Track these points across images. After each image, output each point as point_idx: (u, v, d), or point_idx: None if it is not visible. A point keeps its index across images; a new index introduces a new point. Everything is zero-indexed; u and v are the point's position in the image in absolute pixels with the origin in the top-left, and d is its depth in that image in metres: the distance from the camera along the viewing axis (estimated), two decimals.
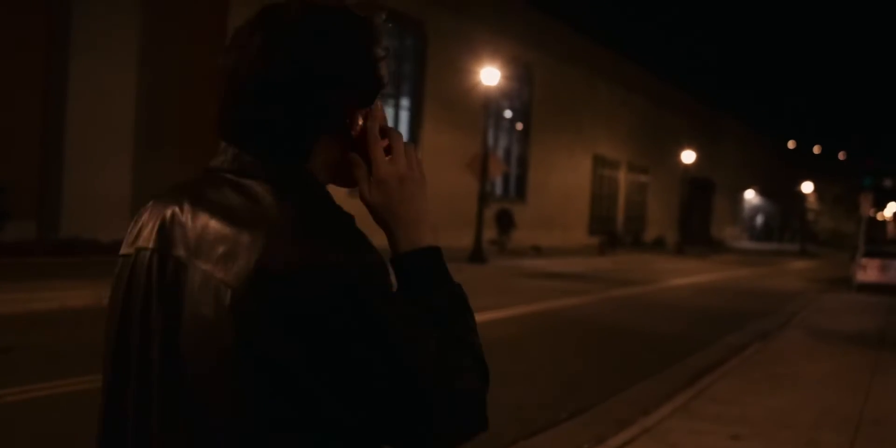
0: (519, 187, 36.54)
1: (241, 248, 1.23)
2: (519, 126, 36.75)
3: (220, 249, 1.25)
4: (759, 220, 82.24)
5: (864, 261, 27.43)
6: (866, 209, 27.50)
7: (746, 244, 68.18)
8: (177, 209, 1.34)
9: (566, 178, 40.08)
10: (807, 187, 70.63)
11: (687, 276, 28.38)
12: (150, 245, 1.35)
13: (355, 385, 1.21)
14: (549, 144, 37.78)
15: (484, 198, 24.23)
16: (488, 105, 24.99)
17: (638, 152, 49.45)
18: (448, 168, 26.28)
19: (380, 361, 1.21)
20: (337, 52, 1.32)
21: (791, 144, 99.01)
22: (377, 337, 1.21)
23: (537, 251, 31.80)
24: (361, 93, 1.37)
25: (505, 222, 31.65)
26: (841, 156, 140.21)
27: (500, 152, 35.44)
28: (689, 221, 53.45)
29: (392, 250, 1.40)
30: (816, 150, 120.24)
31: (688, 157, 46.36)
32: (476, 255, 23.86)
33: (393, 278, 1.31)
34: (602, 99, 43.82)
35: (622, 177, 48.20)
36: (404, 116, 29.44)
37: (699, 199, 57.50)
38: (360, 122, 1.37)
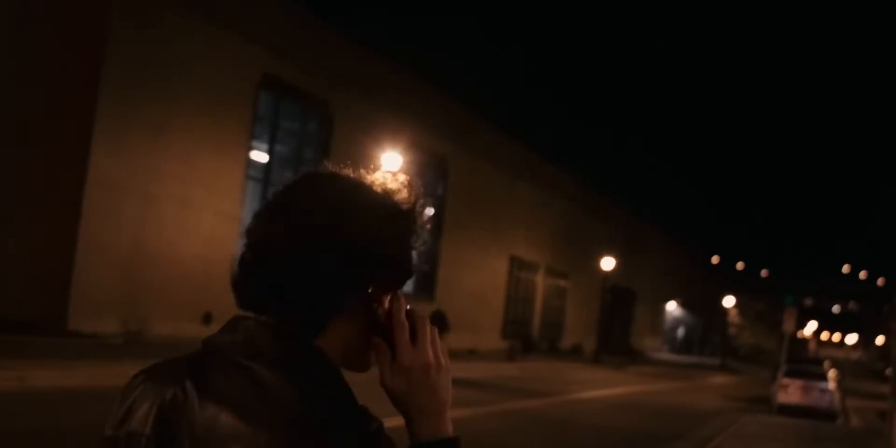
0: (427, 284, 34.33)
1: (240, 441, 1.22)
2: (425, 219, 34.67)
3: (222, 441, 1.23)
4: (681, 332, 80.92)
5: (785, 381, 25.68)
6: (789, 326, 25.90)
7: (666, 356, 66.45)
8: (179, 392, 1.26)
9: (480, 277, 38.06)
10: (728, 301, 69.74)
11: (599, 388, 26.24)
12: (147, 431, 1.26)
13: None
14: (462, 242, 35.87)
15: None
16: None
17: (558, 256, 47.80)
18: None
19: None
20: (377, 233, 1.32)
21: (715, 259, 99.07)
22: None
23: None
24: (392, 277, 1.35)
25: (439, 324, 29.48)
26: (763, 273, 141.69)
27: None
28: (608, 330, 51.64)
29: (411, 438, 1.37)
30: (739, 266, 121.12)
31: (607, 263, 44.83)
32: None
33: None
34: (522, 199, 42.29)
35: (540, 280, 46.32)
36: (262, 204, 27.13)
37: (620, 308, 55.82)
38: (386, 306, 1.35)
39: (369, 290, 1.33)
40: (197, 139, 22.00)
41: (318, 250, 1.29)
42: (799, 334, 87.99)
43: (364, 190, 1.36)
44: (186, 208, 21.77)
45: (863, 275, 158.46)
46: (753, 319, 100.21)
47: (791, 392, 25.24)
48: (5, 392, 11.57)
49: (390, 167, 23.28)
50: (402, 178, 1.42)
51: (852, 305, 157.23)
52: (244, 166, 24.27)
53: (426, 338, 1.36)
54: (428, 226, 1.42)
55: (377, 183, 1.39)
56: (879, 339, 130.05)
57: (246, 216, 24.89)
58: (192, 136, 21.85)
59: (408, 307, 1.37)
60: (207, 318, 22.39)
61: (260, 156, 25.69)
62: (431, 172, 34.12)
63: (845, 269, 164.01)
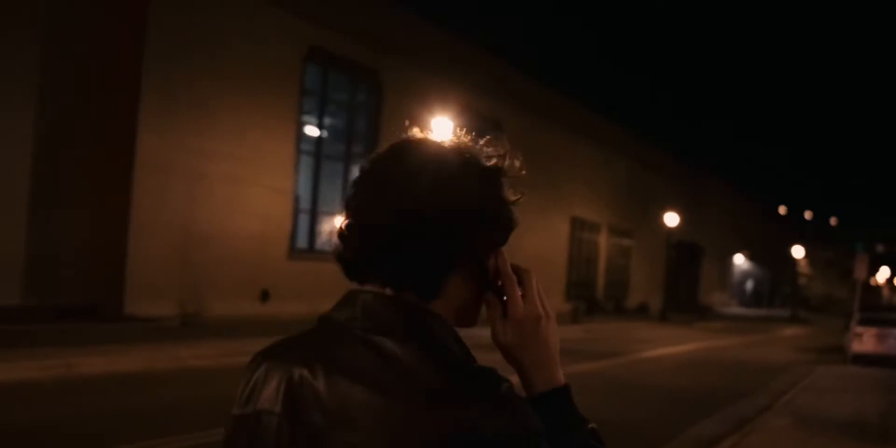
0: None
1: (395, 421, 1.21)
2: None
3: (370, 421, 1.22)
4: (749, 285, 79.75)
5: (859, 329, 24.95)
6: (861, 272, 25.09)
7: (736, 310, 65.55)
8: (305, 372, 1.29)
9: (541, 240, 37.65)
10: (798, 252, 68.39)
11: (666, 346, 25.81)
12: (277, 409, 1.29)
13: None
14: (522, 206, 35.35)
15: None
16: None
17: (620, 215, 47.16)
18: None
19: None
20: (475, 192, 1.34)
21: (782, 210, 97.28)
22: None
23: None
24: (495, 233, 1.37)
25: None
26: (833, 221, 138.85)
27: None
28: (674, 287, 51.03)
29: (527, 390, 1.40)
30: (808, 215, 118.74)
31: (671, 219, 44.10)
32: None
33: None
34: (581, 158, 41.70)
35: (603, 240, 45.76)
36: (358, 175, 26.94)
37: (686, 264, 55.11)
38: (492, 263, 1.37)
39: (476, 249, 1.34)
40: (245, 115, 21.87)
41: (423, 215, 1.29)
42: (872, 281, 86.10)
43: (455, 151, 1.38)
44: (237, 186, 21.69)
45: None
46: (824, 269, 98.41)
47: (865, 340, 24.52)
48: (53, 379, 11.58)
49: (442, 132, 22.92)
50: (486, 137, 1.46)
51: None
52: (294, 141, 24.11)
53: (534, 290, 1.40)
54: (522, 173, 1.45)
55: (463, 144, 1.41)
56: None
57: (300, 191, 24.82)
58: (240, 113, 21.72)
59: (514, 263, 1.41)
60: (265, 296, 22.38)
61: (310, 129, 25.53)
62: (486, 136, 33.67)
63: None
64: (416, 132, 1.42)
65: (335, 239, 1.36)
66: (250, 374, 1.36)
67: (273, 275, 22.66)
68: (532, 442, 1.22)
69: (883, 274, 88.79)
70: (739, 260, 73.88)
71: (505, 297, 1.39)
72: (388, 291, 1.32)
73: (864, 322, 25.30)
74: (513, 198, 1.43)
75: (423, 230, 1.30)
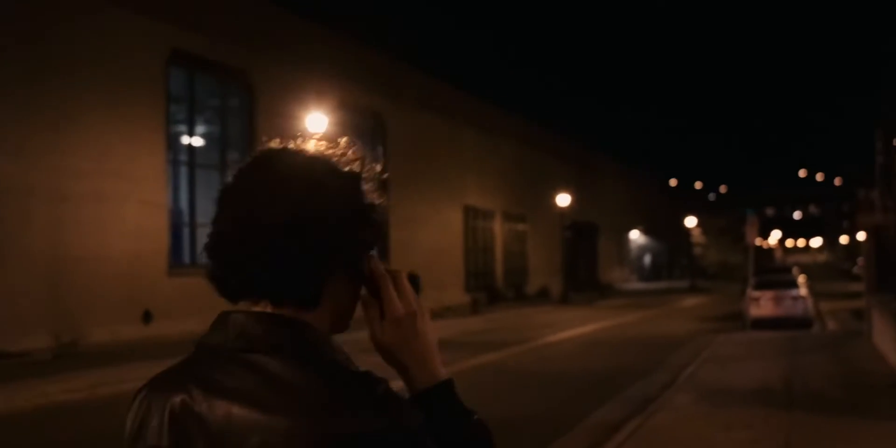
0: (380, 248, 33.41)
1: (278, 436, 1.20)
2: (378, 173, 33.56)
3: (254, 440, 1.21)
4: (647, 259, 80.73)
5: (755, 294, 25.05)
6: (752, 236, 25.22)
7: (636, 285, 66.25)
8: (186, 398, 1.28)
9: (435, 233, 37.15)
10: (690, 222, 69.54)
11: (568, 328, 25.52)
12: (164, 443, 1.28)
13: None
14: (411, 199, 34.82)
15: None
16: None
17: (513, 200, 46.95)
18: None
19: None
20: (341, 200, 1.34)
21: (673, 182, 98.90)
22: None
23: None
24: (367, 235, 1.36)
25: (412, 285, 30.05)
26: (723, 189, 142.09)
27: None
28: (573, 268, 51.12)
29: (410, 388, 1.42)
30: (698, 185, 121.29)
31: (563, 199, 44.09)
32: None
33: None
34: (468, 147, 41.26)
35: (498, 227, 45.48)
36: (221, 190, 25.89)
37: (583, 244, 55.30)
38: (366, 265, 1.39)
39: (348, 254, 1.35)
40: (108, 127, 20.75)
41: (290, 227, 1.29)
42: (763, 244, 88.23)
43: (315, 160, 1.37)
44: (106, 203, 20.56)
45: (819, 177, 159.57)
46: (717, 237, 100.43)
47: (763, 304, 24.62)
48: None
49: (316, 129, 22.36)
50: (343, 140, 1.43)
51: (813, 209, 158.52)
52: (165, 151, 23.03)
53: (407, 288, 1.41)
54: (383, 177, 1.45)
55: (322, 152, 1.39)
56: (843, 239, 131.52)
57: (176, 204, 23.75)
58: (102, 125, 20.60)
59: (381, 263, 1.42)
60: (147, 317, 21.30)
61: (182, 138, 24.48)
62: (368, 131, 33.01)
63: (801, 173, 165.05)
64: (275, 143, 1.40)
65: (207, 259, 1.34)
66: (136, 408, 1.33)
67: (154, 294, 21.57)
68: (415, 441, 1.23)
69: (775, 236, 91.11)
70: (635, 235, 74.68)
71: (381, 298, 1.40)
72: (263, 306, 1.31)
73: (760, 286, 25.43)
74: (377, 200, 1.40)
75: (292, 242, 1.29)
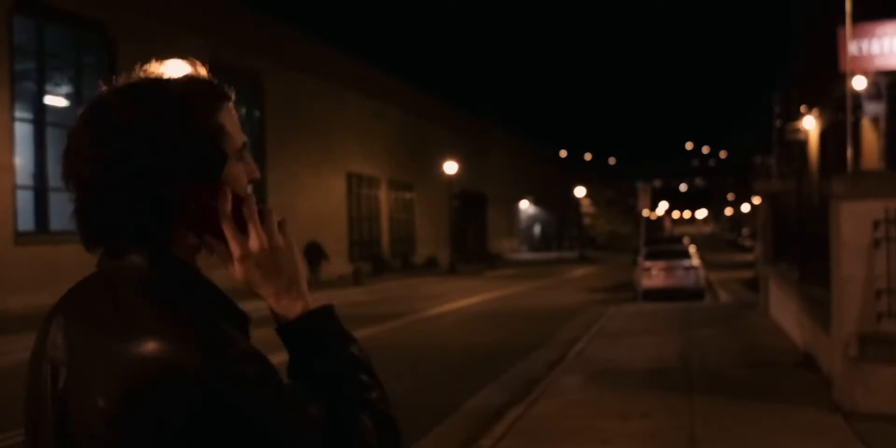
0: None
1: (108, 361, 1.23)
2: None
3: (95, 362, 1.24)
4: (537, 229, 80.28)
5: (647, 264, 24.22)
6: (644, 204, 24.32)
7: (526, 255, 65.63)
8: (61, 316, 1.34)
9: (317, 200, 35.40)
10: (580, 192, 69.23)
11: (454, 300, 24.27)
12: (48, 353, 1.33)
13: None
14: (290, 166, 33.00)
15: None
16: None
17: (399, 167, 45.39)
18: None
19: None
20: (162, 140, 1.29)
21: (563, 153, 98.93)
22: (258, 439, 1.21)
23: None
24: (200, 171, 1.32)
25: (314, 256, 29.93)
26: (611, 161, 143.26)
27: None
28: (462, 237, 50.00)
29: (276, 321, 1.39)
30: (587, 157, 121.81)
31: (450, 167, 42.82)
32: None
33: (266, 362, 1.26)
34: (352, 112, 39.47)
35: (384, 195, 43.90)
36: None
37: (471, 214, 54.17)
38: (209, 203, 1.33)
39: (192, 193, 1.31)
40: None
41: (130, 168, 1.28)
42: (652, 215, 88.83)
43: (151, 90, 1.33)
44: None
45: (706, 149, 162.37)
46: (606, 207, 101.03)
47: (654, 275, 23.81)
48: None
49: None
50: (184, 62, 1.40)
51: (699, 181, 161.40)
52: (9, 108, 20.76)
53: (255, 222, 1.35)
54: (231, 100, 1.41)
55: (163, 76, 1.36)
56: (728, 211, 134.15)
57: (23, 164, 21.55)
58: None
59: (241, 195, 1.36)
60: None
61: (29, 94, 22.20)
62: (244, 92, 31.03)
63: (688, 146, 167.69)
64: (120, 78, 1.36)
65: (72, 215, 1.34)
66: (44, 321, 1.38)
67: None
68: (221, 373, 1.20)
69: (662, 207, 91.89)
70: (525, 205, 74.07)
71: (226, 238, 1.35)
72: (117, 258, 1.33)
73: (652, 256, 24.63)
74: (220, 123, 1.35)
75: (133, 184, 1.27)
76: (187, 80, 1.36)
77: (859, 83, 21.11)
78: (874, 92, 19.72)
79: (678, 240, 32.20)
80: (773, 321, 15.11)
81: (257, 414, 1.20)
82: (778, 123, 18.61)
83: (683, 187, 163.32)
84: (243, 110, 31.91)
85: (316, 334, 1.37)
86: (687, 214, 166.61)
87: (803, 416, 8.06)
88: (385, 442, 1.33)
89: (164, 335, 1.21)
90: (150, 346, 1.20)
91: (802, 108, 24.16)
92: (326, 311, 1.40)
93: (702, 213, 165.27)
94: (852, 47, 17.22)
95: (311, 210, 34.47)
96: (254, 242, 1.34)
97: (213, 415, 1.18)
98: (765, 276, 16.56)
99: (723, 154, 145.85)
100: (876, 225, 7.77)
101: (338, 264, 34.68)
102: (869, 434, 7.29)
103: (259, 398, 1.21)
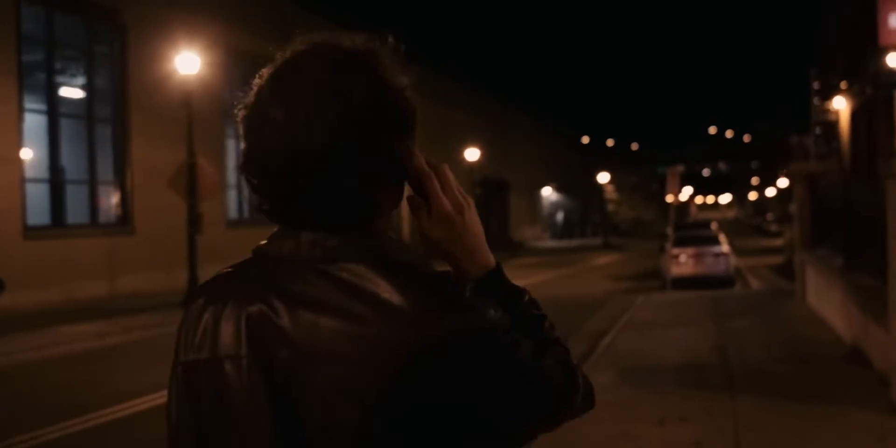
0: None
1: (368, 345, 1.21)
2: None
3: (345, 350, 1.22)
4: (560, 216, 79.29)
5: (675, 251, 23.44)
6: (674, 187, 23.54)
7: (549, 243, 64.75)
8: (264, 307, 1.27)
9: None
10: (603, 178, 68.32)
11: None
12: (243, 352, 1.27)
13: (519, 417, 1.30)
14: None
15: (195, 222, 18.46)
16: (190, 100, 19.22)
17: (421, 153, 44.66)
18: (166, 191, 20.34)
19: (528, 388, 1.28)
20: (372, 94, 1.30)
21: (585, 139, 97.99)
22: (524, 379, 1.27)
23: None
24: (404, 128, 1.34)
25: None
26: (634, 147, 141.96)
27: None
28: (485, 225, 48.96)
29: (464, 278, 1.39)
30: (610, 143, 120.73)
31: (472, 154, 42.14)
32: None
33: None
34: None
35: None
36: (104, 132, 23.30)
37: (494, 201, 53.38)
38: (411, 163, 1.34)
39: (400, 150, 1.30)
40: None
41: (331, 154, 1.26)
42: (676, 201, 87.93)
43: (338, 49, 1.36)
44: None
45: (729, 134, 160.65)
46: (630, 193, 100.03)
47: (684, 262, 23.04)
48: None
49: (187, 70, 19.88)
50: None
51: (722, 166, 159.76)
52: (17, 99, 20.19)
53: (451, 182, 1.39)
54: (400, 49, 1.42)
55: (345, 43, 1.38)
56: (752, 195, 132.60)
57: (38, 157, 21.03)
58: None
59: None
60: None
61: (41, 85, 21.65)
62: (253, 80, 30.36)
63: (711, 130, 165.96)
64: (310, 38, 1.38)
65: (246, 174, 1.31)
66: (195, 317, 1.32)
67: (5, 260, 18.92)
68: (501, 338, 1.25)
69: (686, 192, 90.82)
70: (548, 192, 73.19)
71: (427, 196, 1.36)
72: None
73: (680, 242, 23.86)
74: (405, 81, 1.38)
75: (337, 168, 1.26)
76: (368, 41, 1.37)
77: (893, 60, 20.24)
78: None
79: (706, 225, 31.33)
80: (812, 310, 14.36)
81: (526, 360, 1.28)
82: (816, 101, 17.83)
83: (707, 172, 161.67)
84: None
85: (508, 286, 1.41)
86: (710, 200, 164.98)
87: (860, 419, 7.35)
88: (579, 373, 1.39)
89: (417, 309, 1.22)
90: (425, 320, 1.21)
91: (843, 84, 23.27)
92: (501, 266, 1.44)
93: (725, 198, 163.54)
94: (892, 20, 16.34)
95: None
96: (453, 199, 1.37)
97: (494, 369, 1.24)
98: (802, 263, 15.78)
99: (747, 138, 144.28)
100: None
101: None
102: None
103: (518, 349, 1.27)
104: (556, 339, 1.41)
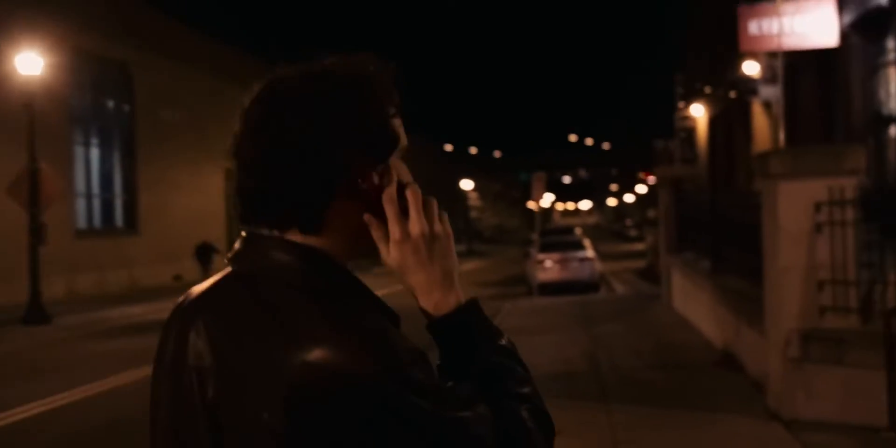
0: (128, 217, 29.51)
1: (271, 370, 1.18)
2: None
3: (254, 371, 1.20)
4: None
5: (541, 256, 23.35)
6: (539, 192, 23.45)
7: None
8: (200, 322, 1.30)
9: (192, 199, 33.50)
10: (466, 185, 68.57)
11: None
12: (189, 361, 1.29)
13: None
14: (164, 161, 31.11)
15: (37, 232, 17.23)
16: (33, 103, 17.95)
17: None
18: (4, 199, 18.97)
19: None
20: (341, 114, 1.30)
21: (448, 147, 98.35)
22: (431, 443, 1.17)
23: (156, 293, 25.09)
24: (372, 151, 1.32)
25: (206, 255, 28.17)
26: (497, 154, 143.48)
27: (96, 175, 28.19)
28: None
29: (424, 314, 1.34)
30: (473, 151, 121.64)
31: None
32: (34, 314, 16.86)
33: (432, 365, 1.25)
34: (230, 104, 37.47)
35: None
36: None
37: None
38: (376, 182, 1.32)
39: (357, 171, 1.30)
40: None
41: (295, 142, 1.27)
42: (537, 208, 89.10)
43: (327, 71, 1.34)
44: None
45: (589, 142, 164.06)
46: (493, 200, 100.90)
47: (549, 268, 22.97)
48: None
49: (29, 71, 18.64)
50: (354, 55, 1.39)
51: (583, 173, 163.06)
52: None
53: (418, 208, 1.33)
54: (397, 84, 1.38)
55: (335, 63, 1.36)
56: (611, 202, 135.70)
57: None
58: None
59: (402, 181, 1.35)
60: None
61: None
62: (110, 83, 29.05)
63: (572, 138, 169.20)
64: (286, 66, 1.38)
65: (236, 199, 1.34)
66: (166, 329, 1.36)
67: None
68: (394, 379, 1.16)
69: (548, 199, 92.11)
70: None
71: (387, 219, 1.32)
72: (273, 233, 1.30)
73: (545, 248, 23.80)
74: (392, 111, 1.34)
75: (297, 159, 1.26)
76: (364, 68, 1.34)
77: (751, 68, 20.61)
78: (769, 75, 19.17)
79: (570, 230, 31.48)
80: (679, 314, 14.29)
81: (430, 418, 1.17)
82: (681, 105, 18.08)
83: (567, 179, 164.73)
84: (110, 103, 29.92)
85: (472, 328, 1.32)
86: (571, 206, 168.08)
87: (739, 426, 7.09)
88: (546, 437, 1.28)
89: (332, 341, 1.17)
90: (319, 354, 1.16)
91: (707, 90, 23.68)
92: (476, 304, 1.35)
93: (585, 205, 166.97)
94: (752, 27, 16.51)
95: (186, 209, 32.63)
96: (415, 226, 1.31)
97: (385, 421, 1.15)
98: (667, 266, 15.75)
99: (606, 145, 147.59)
100: (818, 207, 6.83)
101: (218, 266, 32.89)
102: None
103: (431, 401, 1.18)
104: (522, 394, 1.29)
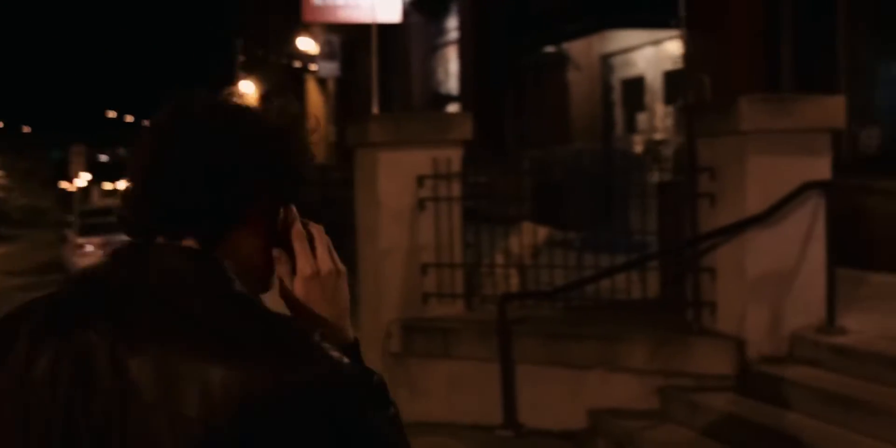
0: None
1: (216, 385, 1.10)
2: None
3: (188, 389, 1.11)
4: None
5: (81, 240, 21.47)
6: (78, 168, 21.38)
7: None
8: (97, 338, 1.16)
9: None
10: None
11: None
12: (62, 383, 1.16)
13: None
14: None
15: None
16: None
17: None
18: None
19: None
20: (267, 148, 1.28)
21: None
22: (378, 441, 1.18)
23: None
24: (288, 188, 1.31)
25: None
26: (26, 129, 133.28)
27: None
28: None
29: None
30: None
31: None
32: None
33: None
34: None
35: None
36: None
37: None
38: (282, 218, 1.32)
39: (265, 205, 1.29)
40: None
41: (211, 166, 1.23)
42: (73, 187, 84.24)
43: (243, 109, 1.32)
44: None
45: (129, 118, 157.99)
46: (23, 179, 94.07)
47: (91, 252, 21.08)
48: None
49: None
50: (278, 99, 1.39)
51: (122, 151, 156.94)
52: None
53: (324, 246, 1.34)
54: (316, 130, 1.40)
55: (252, 105, 1.34)
56: (121, 184, 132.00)
57: None
58: None
59: (304, 220, 1.36)
60: None
61: None
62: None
63: (111, 114, 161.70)
64: (203, 94, 1.33)
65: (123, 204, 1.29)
66: (7, 343, 1.21)
67: None
68: (353, 391, 1.15)
69: (84, 178, 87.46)
70: None
71: (295, 254, 1.32)
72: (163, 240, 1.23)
73: (86, 231, 21.87)
74: (304, 154, 1.33)
75: (209, 180, 1.22)
76: (289, 115, 1.33)
77: (306, 44, 20.01)
78: (327, 51, 18.70)
79: (111, 211, 29.31)
80: None
81: (371, 429, 1.17)
82: (241, 76, 17.18)
83: (105, 158, 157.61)
84: None
85: (361, 362, 1.31)
86: (108, 186, 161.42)
87: None
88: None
89: (267, 352, 1.12)
90: (256, 367, 1.10)
91: (271, 59, 22.73)
92: (359, 344, 1.36)
93: (125, 185, 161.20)
94: None
95: None
96: (325, 263, 1.31)
97: (327, 433, 1.11)
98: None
99: (147, 122, 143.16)
100: (421, 181, 6.07)
101: None
102: None
103: (373, 402, 1.20)
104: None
